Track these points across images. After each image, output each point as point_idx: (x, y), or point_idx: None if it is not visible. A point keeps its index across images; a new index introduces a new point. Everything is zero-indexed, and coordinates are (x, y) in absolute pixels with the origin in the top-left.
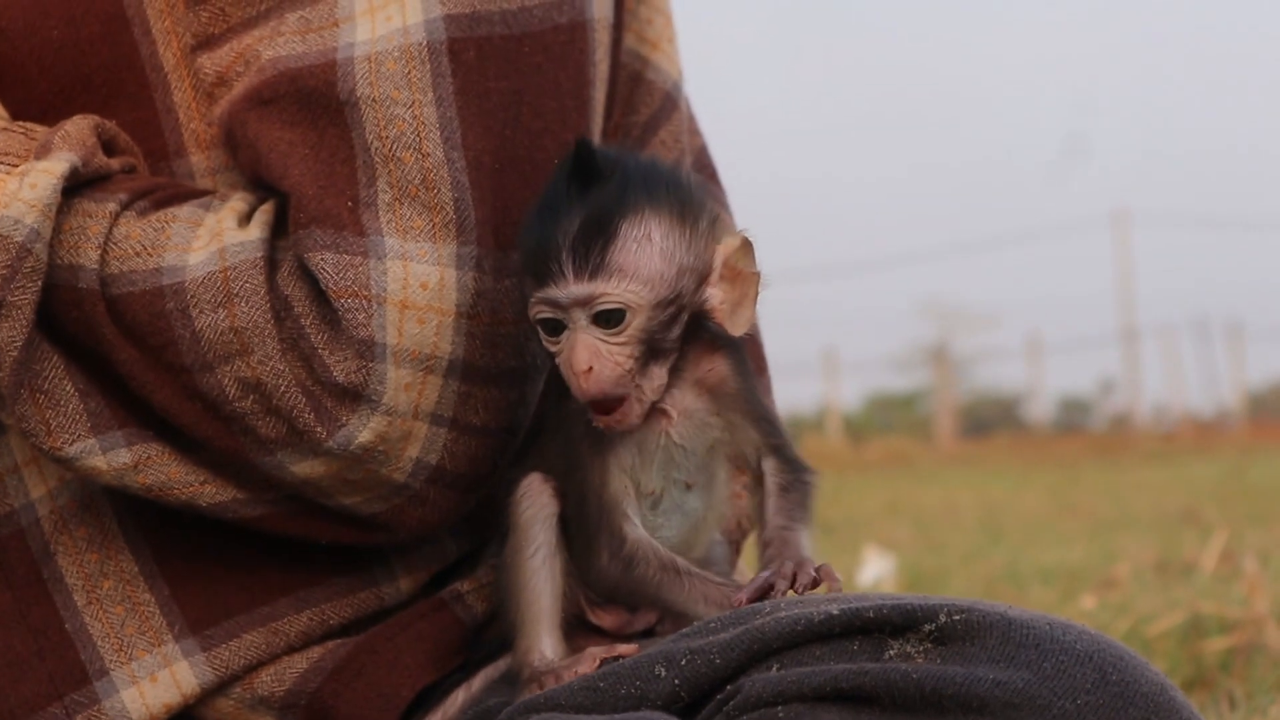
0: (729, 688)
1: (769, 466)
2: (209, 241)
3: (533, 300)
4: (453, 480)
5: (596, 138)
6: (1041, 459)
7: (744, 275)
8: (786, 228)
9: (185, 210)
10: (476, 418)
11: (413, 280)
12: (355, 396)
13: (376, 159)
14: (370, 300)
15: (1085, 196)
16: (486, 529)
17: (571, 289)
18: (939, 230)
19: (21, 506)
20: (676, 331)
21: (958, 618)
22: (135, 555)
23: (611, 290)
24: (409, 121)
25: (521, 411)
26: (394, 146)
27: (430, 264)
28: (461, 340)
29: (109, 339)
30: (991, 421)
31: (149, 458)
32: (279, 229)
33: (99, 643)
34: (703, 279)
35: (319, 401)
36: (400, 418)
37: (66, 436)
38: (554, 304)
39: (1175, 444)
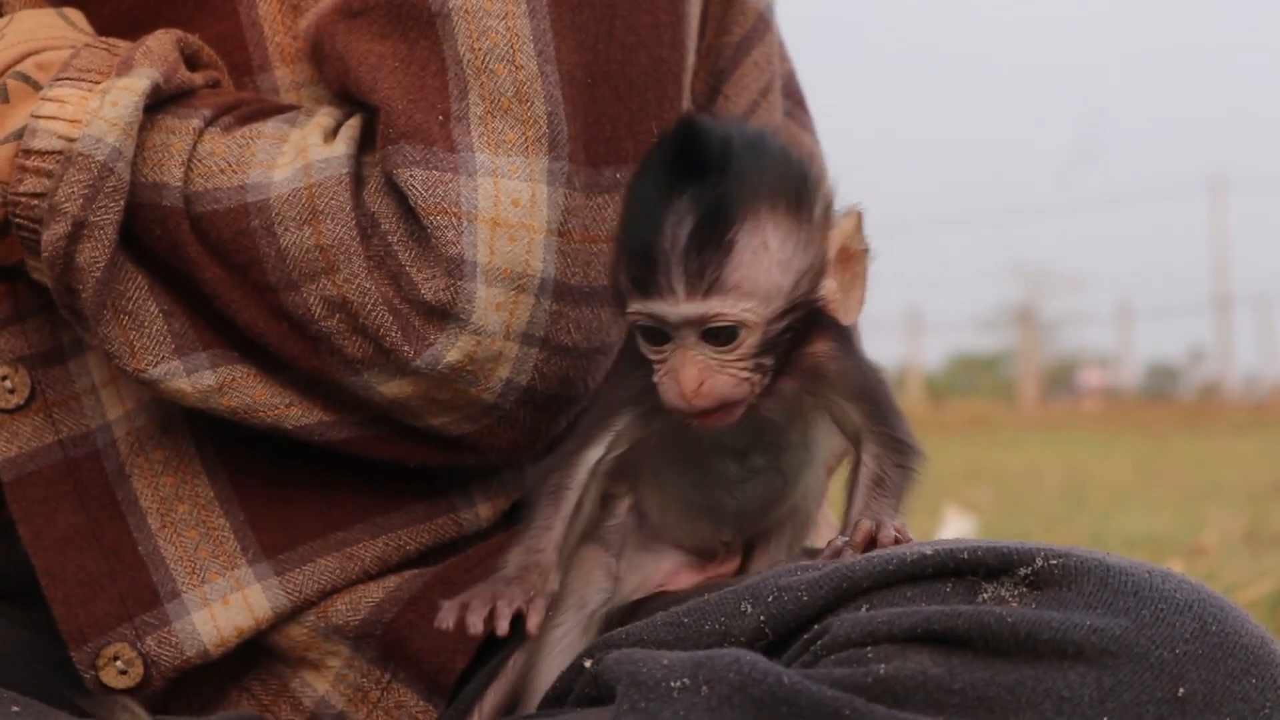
0: (816, 627)
1: (869, 453)
2: (294, 158)
3: (633, 309)
4: (544, 401)
5: (691, 55)
6: (1128, 426)
7: (855, 254)
8: (872, 181)
9: (270, 126)
10: (569, 338)
11: (504, 197)
12: (443, 315)
13: (469, 71)
14: (460, 217)
15: (1182, 161)
16: None
17: (682, 308)
18: (1030, 189)
19: (98, 427)
20: (792, 331)
21: (1054, 562)
22: (211, 480)
23: (727, 310)
24: (502, 33)
25: (614, 330)
26: (487, 59)
27: (522, 180)
28: (553, 258)
29: (193, 258)
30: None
31: (234, 380)
32: (365, 144)
33: (172, 565)
34: (819, 274)
35: (406, 320)
36: (490, 337)
37: (150, 358)
38: (661, 319)
39: (1266, 414)
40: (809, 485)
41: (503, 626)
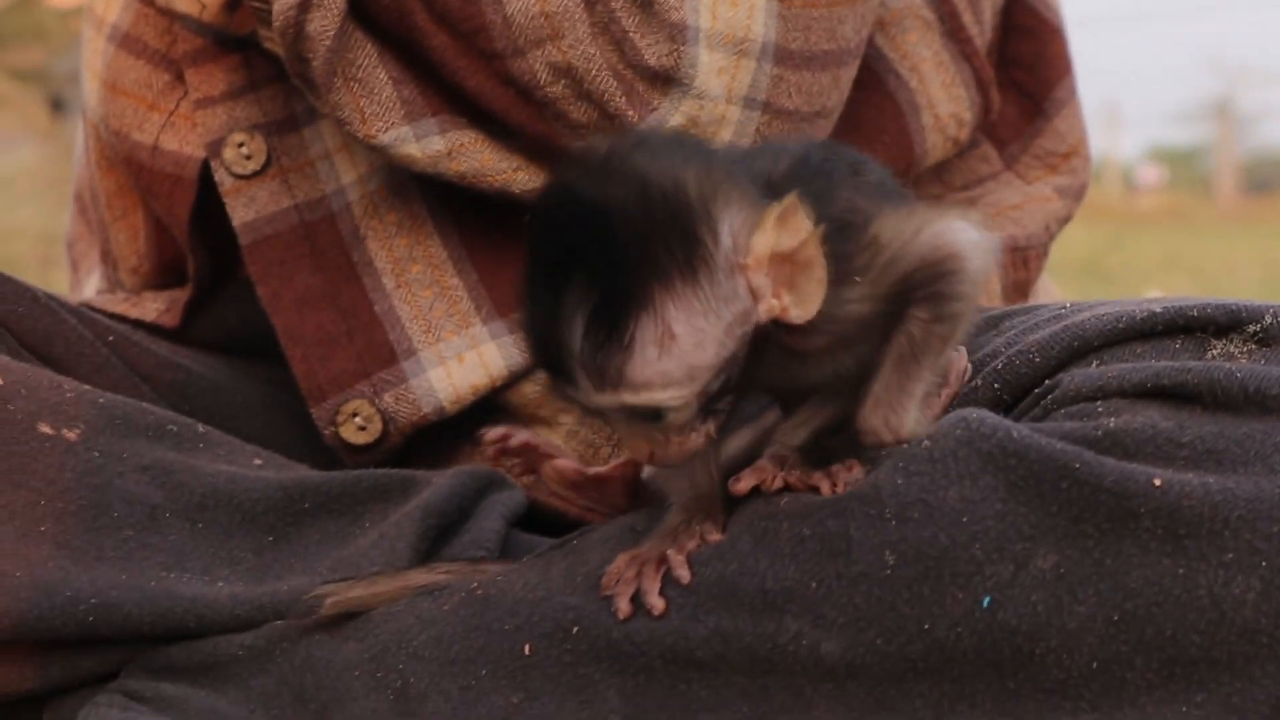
0: (1047, 382)
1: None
2: None
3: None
4: None
5: None
6: None
7: (795, 250)
8: None
9: None
10: (789, 101)
11: None
12: (667, 80)
13: None
14: None
15: None
16: None
17: (595, 400)
18: None
19: (332, 192)
20: (737, 368)
21: None
22: (444, 241)
23: (643, 402)
24: None
25: (834, 94)
26: None
27: None
28: (774, 23)
29: (421, 25)
30: (1274, 180)
31: (462, 145)
32: None
33: (407, 324)
34: (748, 315)
35: (630, 85)
36: (712, 101)
37: (380, 124)
38: (581, 405)
39: None
40: None
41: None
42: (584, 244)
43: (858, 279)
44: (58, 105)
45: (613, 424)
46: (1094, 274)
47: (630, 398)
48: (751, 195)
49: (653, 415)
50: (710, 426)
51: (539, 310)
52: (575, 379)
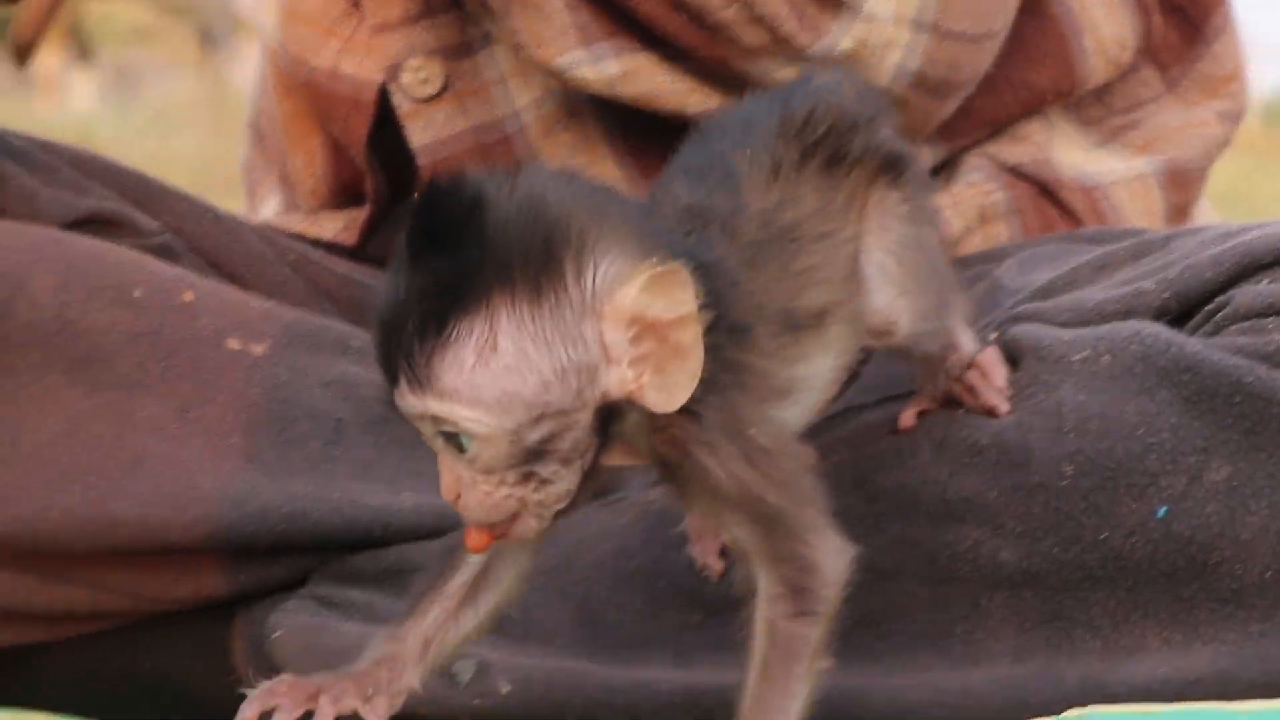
0: (1218, 300)
1: (762, 594)
2: None
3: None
4: (934, 87)
5: None
6: None
7: (664, 324)
8: None
9: None
10: (958, 23)
11: None
12: (836, 4)
13: None
14: None
15: None
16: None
17: (407, 401)
18: None
19: (507, 115)
20: (574, 436)
21: None
22: (618, 163)
23: (446, 414)
24: None
25: (1001, 16)
26: None
27: None
28: None
29: None
30: None
31: (636, 68)
32: None
33: None
34: (592, 370)
35: (801, 10)
36: (881, 24)
37: (556, 48)
38: (397, 408)
39: None
40: None
41: None
42: (452, 235)
43: None
44: (207, 38)
45: (430, 445)
46: (1237, 204)
47: (435, 404)
48: (644, 252)
49: (458, 441)
50: (542, 495)
51: (388, 294)
52: (394, 369)
